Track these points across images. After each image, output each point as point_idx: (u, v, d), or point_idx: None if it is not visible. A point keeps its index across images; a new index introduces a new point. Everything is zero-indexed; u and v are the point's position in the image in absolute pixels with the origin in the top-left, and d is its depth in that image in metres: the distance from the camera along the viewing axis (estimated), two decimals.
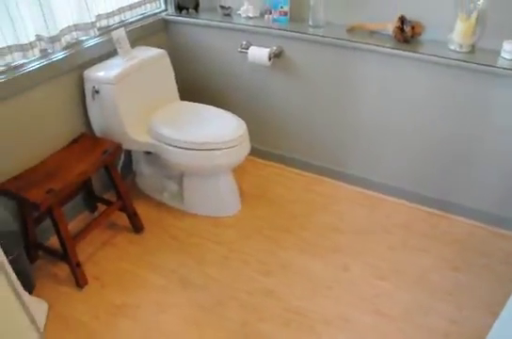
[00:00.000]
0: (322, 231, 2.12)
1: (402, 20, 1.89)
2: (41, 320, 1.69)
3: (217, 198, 2.19)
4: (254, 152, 2.31)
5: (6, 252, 1.47)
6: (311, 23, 2.07)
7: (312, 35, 2.02)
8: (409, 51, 1.87)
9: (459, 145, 2.02)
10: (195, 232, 2.12)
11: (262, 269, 1.93)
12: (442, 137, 2.04)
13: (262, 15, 2.19)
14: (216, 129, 2.01)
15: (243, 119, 2.10)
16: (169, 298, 1.80)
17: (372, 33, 2.00)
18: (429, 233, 2.12)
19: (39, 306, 1.72)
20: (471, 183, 2.10)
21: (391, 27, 1.92)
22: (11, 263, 1.47)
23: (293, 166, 2.52)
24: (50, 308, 1.75)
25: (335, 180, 2.43)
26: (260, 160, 2.58)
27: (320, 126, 2.31)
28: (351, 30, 2.02)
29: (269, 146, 2.53)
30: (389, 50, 1.90)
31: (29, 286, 1.78)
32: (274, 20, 2.15)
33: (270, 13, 2.14)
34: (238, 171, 2.27)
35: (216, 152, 1.94)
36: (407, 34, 1.89)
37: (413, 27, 1.89)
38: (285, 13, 2.12)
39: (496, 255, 2.00)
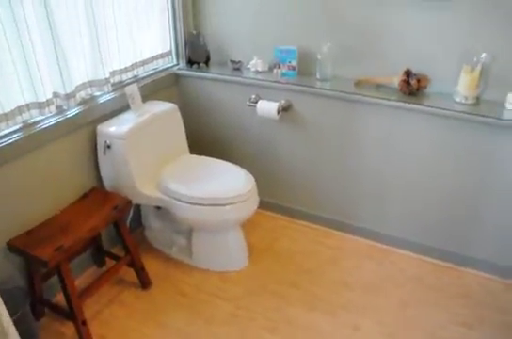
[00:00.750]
0: (331, 286, 2.10)
1: (407, 73, 1.96)
2: None
3: (226, 253, 2.20)
4: (263, 204, 2.34)
5: (11, 310, 1.49)
6: (318, 76, 2.15)
7: (320, 89, 2.10)
8: (415, 103, 1.93)
9: (467, 196, 2.04)
10: (203, 287, 2.12)
11: (269, 326, 1.90)
12: (450, 189, 2.06)
13: (270, 69, 2.28)
14: (225, 184, 2.05)
15: (251, 171, 2.15)
16: None
17: (378, 86, 2.06)
18: (440, 286, 2.09)
19: None
20: (480, 234, 2.09)
21: (397, 81, 1.99)
22: (16, 322, 1.49)
23: (301, 218, 2.54)
24: None
25: (343, 232, 2.44)
26: (268, 213, 2.59)
27: (327, 179, 2.34)
28: (358, 84, 2.09)
29: (277, 198, 2.56)
30: (394, 103, 1.96)
31: None
32: (282, 74, 2.23)
33: (279, 67, 2.23)
34: (247, 224, 2.28)
35: (224, 207, 1.97)
36: (412, 87, 1.95)
37: (419, 80, 1.95)
38: (293, 67, 2.21)
39: (510, 310, 1.96)
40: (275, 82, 2.20)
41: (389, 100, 1.97)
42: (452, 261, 2.21)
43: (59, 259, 1.67)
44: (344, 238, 2.41)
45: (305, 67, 2.20)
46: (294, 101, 2.21)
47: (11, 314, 1.46)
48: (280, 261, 2.27)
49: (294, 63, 2.20)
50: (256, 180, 2.10)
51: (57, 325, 1.93)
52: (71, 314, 1.78)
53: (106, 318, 1.96)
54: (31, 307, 1.81)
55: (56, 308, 1.90)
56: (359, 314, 1.95)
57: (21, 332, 1.50)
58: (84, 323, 1.80)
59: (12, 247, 1.74)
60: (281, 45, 2.18)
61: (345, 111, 2.10)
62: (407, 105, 1.94)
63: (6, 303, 1.43)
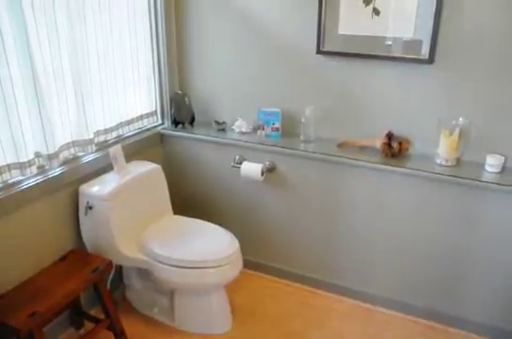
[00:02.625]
0: None
1: (389, 136, 2.09)
2: None
3: (209, 315, 2.20)
4: (248, 263, 2.38)
5: None
6: (302, 138, 2.27)
7: (303, 151, 2.21)
8: (396, 166, 2.04)
9: (453, 255, 2.11)
10: None
11: None
12: (436, 248, 2.14)
13: (255, 130, 2.40)
14: (208, 246, 2.10)
15: (235, 231, 2.21)
16: None
17: (361, 148, 2.19)
18: None
19: None
20: (468, 294, 2.15)
21: (379, 143, 2.11)
22: None
23: (286, 278, 2.57)
24: None
25: (330, 293, 2.47)
26: (253, 272, 2.62)
27: (313, 239, 2.41)
28: (341, 145, 2.21)
29: (263, 258, 2.60)
30: (376, 165, 2.08)
31: None
32: (266, 135, 2.36)
33: (263, 129, 2.36)
34: (231, 284, 2.26)
35: (207, 270, 2.00)
36: (394, 149, 2.08)
37: (400, 143, 2.08)
38: (277, 129, 2.34)
39: None
40: (259, 144, 2.32)
41: (371, 162, 2.08)
42: (440, 321, 2.25)
43: (33, 326, 1.65)
44: (330, 298, 2.44)
45: (289, 128, 2.34)
46: (278, 162, 2.32)
47: None
48: (265, 323, 2.27)
49: (277, 125, 2.33)
50: (241, 239, 2.15)
51: None
52: None
53: None
54: None
55: None
56: None
57: None
58: None
59: None
60: (265, 107, 2.32)
61: (329, 172, 2.21)
62: (389, 168, 2.05)
63: None
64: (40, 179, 1.94)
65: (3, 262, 1.84)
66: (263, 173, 2.29)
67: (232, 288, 2.34)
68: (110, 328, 2.04)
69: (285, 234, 2.48)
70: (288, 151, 2.24)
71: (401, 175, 2.06)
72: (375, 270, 2.32)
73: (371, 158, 2.10)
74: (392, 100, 2.09)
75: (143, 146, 2.46)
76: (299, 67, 2.24)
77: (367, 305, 2.37)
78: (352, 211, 2.25)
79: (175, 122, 2.54)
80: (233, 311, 2.29)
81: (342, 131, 2.24)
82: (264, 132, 2.36)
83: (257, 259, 2.60)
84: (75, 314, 2.18)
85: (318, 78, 2.22)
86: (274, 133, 2.35)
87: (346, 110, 2.20)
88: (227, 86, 2.45)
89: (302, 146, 2.25)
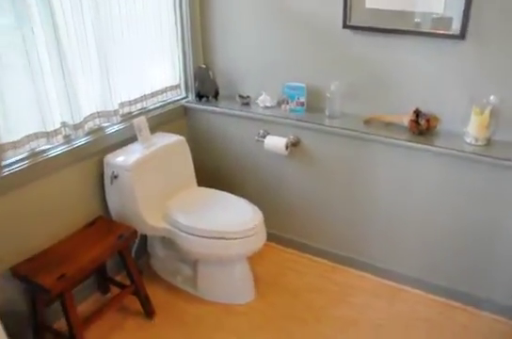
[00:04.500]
0: (339, 324, 2.19)
1: (417, 113, 2.13)
2: None
3: (231, 285, 2.32)
4: (271, 236, 2.49)
5: (12, 334, 1.59)
6: (327, 113, 2.33)
7: (329, 126, 2.28)
8: (424, 144, 2.08)
9: (479, 235, 2.16)
10: (207, 319, 2.23)
11: None
12: (461, 227, 2.19)
13: (279, 105, 2.47)
14: (232, 217, 2.20)
15: (259, 204, 2.31)
16: None
17: (388, 125, 2.23)
18: (451, 328, 2.18)
19: None
20: (493, 274, 2.20)
21: (406, 120, 2.15)
22: None
23: (309, 252, 2.67)
24: None
25: (352, 268, 2.56)
26: (276, 246, 2.73)
27: (337, 214, 2.49)
28: (368, 122, 2.26)
29: (286, 232, 2.71)
30: (403, 142, 2.12)
31: None
32: (291, 110, 2.42)
33: (287, 103, 2.42)
34: (254, 256, 2.39)
35: (231, 241, 2.10)
36: (422, 127, 2.12)
37: (428, 120, 2.11)
38: (302, 104, 2.40)
39: None
40: (283, 118, 2.39)
41: (398, 139, 2.13)
42: (464, 301, 2.31)
43: (62, 288, 1.80)
44: (352, 274, 2.52)
45: (314, 103, 2.40)
46: (302, 137, 2.39)
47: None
48: (286, 295, 2.38)
49: (302, 99, 2.39)
50: (265, 213, 2.25)
51: None
52: None
53: None
54: (33, 332, 1.95)
55: (57, 333, 2.02)
56: None
57: None
58: None
59: (16, 273, 1.88)
60: (290, 82, 2.39)
61: (354, 148, 2.27)
62: (416, 146, 2.09)
63: (8, 327, 1.54)
64: (66, 148, 2.06)
65: (33, 226, 2.00)
66: (287, 147, 2.37)
67: (254, 260, 2.45)
68: (135, 293, 2.19)
69: (309, 209, 2.57)
70: (313, 125, 2.31)
71: (428, 153, 2.09)
72: (398, 248, 2.39)
73: (398, 135, 2.15)
74: (421, 76, 2.12)
75: (167, 119, 2.56)
76: (325, 41, 2.28)
77: (389, 282, 2.45)
78: (377, 187, 2.32)
79: (199, 96, 2.62)
80: (255, 282, 2.40)
81: (368, 107, 2.29)
82: (288, 106, 2.43)
83: (280, 233, 2.71)
84: (102, 279, 2.34)
85: (344, 53, 2.26)
86: (298, 107, 2.41)
87: (373, 86, 2.25)
88: (251, 60, 2.51)
89: (327, 121, 2.31)
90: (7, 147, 1.84)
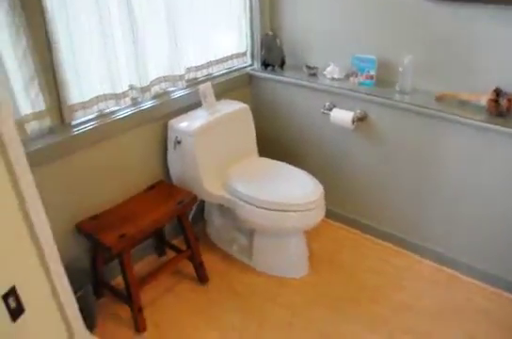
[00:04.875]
0: (393, 307, 2.16)
1: (497, 92, 2.00)
2: None
3: (286, 258, 2.33)
4: (330, 213, 2.46)
5: (75, 288, 1.69)
6: (398, 88, 2.24)
7: (398, 102, 2.19)
8: (503, 125, 1.95)
9: None
10: (259, 290, 2.26)
11: None
12: None
13: (347, 77, 2.40)
14: (293, 190, 2.18)
15: (320, 179, 2.27)
16: None
17: (462, 103, 2.11)
18: (510, 322, 2.11)
19: None
20: None
21: (484, 99, 2.02)
22: (79, 299, 1.70)
23: (368, 233, 2.63)
24: None
25: (411, 252, 2.50)
26: (334, 223, 2.71)
27: (401, 195, 2.42)
28: (440, 99, 2.16)
29: (345, 209, 2.67)
30: (480, 123, 2.00)
31: (92, 324, 2.00)
32: (359, 83, 2.35)
33: (356, 76, 2.35)
34: (311, 232, 2.39)
35: (290, 213, 2.09)
36: (502, 107, 1.98)
37: (510, 100, 1.96)
38: (371, 77, 2.32)
39: None
40: (351, 91, 2.32)
41: (473, 119, 2.02)
42: None
43: (122, 247, 1.86)
44: (411, 259, 2.47)
45: (384, 77, 2.31)
46: (370, 111, 2.32)
47: (74, 292, 1.66)
48: (341, 274, 2.36)
49: (372, 73, 2.31)
50: (325, 188, 2.22)
51: (115, 307, 2.15)
52: (128, 299, 1.99)
53: (161, 307, 2.17)
54: (93, 288, 2.05)
55: (114, 291, 2.11)
56: None
57: (81, 309, 1.70)
58: (140, 310, 2.00)
59: (80, 230, 1.96)
60: (360, 53, 2.30)
61: (424, 127, 2.19)
62: (494, 127, 1.97)
63: (70, 281, 1.61)
64: (132, 110, 2.10)
65: (97, 186, 2.07)
66: (353, 122, 2.31)
67: (311, 235, 2.46)
68: (190, 258, 2.24)
69: (371, 187, 2.51)
70: (382, 100, 2.23)
71: (507, 136, 1.96)
72: (461, 234, 2.31)
73: (473, 115, 2.04)
74: (504, 52, 1.98)
75: (232, 86, 2.55)
76: (402, 11, 2.17)
77: (449, 270, 2.38)
78: (445, 169, 2.22)
79: (265, 64, 2.59)
80: (311, 258, 2.40)
81: (441, 83, 2.17)
82: (357, 79, 2.36)
83: (339, 210, 2.68)
84: (159, 241, 2.41)
85: (421, 24, 2.14)
86: (368, 81, 2.33)
87: (449, 61, 2.13)
88: (320, 28, 2.44)
89: (397, 96, 2.22)
90: (77, 107, 1.91)
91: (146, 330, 2.04)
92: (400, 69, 2.20)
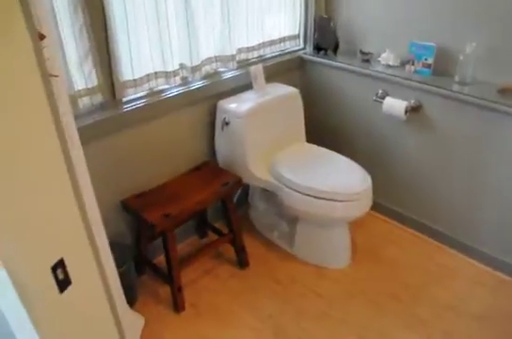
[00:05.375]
0: (435, 307, 2.09)
1: None
2: (136, 336, 1.91)
3: (328, 248, 2.29)
4: (376, 205, 2.39)
5: (117, 263, 1.72)
6: (456, 78, 2.13)
7: (457, 92, 2.09)
8: None
9: None
10: (299, 279, 2.24)
11: (360, 334, 1.96)
12: None
13: (403, 65, 2.30)
14: (341, 179, 2.13)
15: (368, 169, 2.21)
16: None
17: None
18: None
19: (136, 321, 1.96)
20: None
21: None
22: (121, 275, 1.74)
23: (415, 228, 2.55)
24: (145, 325, 1.97)
25: (458, 252, 2.41)
26: (380, 215, 2.65)
27: (452, 191, 2.32)
28: (503, 91, 2.03)
29: (393, 203, 2.60)
30: None
31: (132, 300, 2.04)
32: (415, 71, 2.25)
33: (412, 64, 2.26)
34: (355, 224, 2.36)
35: (336, 203, 2.05)
36: None
37: None
38: (429, 65, 2.22)
39: None
40: (406, 79, 2.23)
41: None
42: None
43: (166, 226, 1.87)
44: (457, 258, 2.38)
45: (442, 66, 2.20)
46: (424, 102, 2.23)
47: (117, 267, 1.71)
48: (383, 268, 2.31)
49: (430, 61, 2.21)
50: (373, 179, 2.15)
51: (155, 285, 2.20)
52: (169, 278, 2.01)
53: (200, 288, 2.19)
54: (135, 264, 2.09)
55: (156, 269, 2.14)
56: None
57: (123, 284, 1.75)
58: (180, 290, 2.03)
59: (126, 206, 1.99)
60: (419, 40, 2.20)
61: (484, 121, 2.08)
62: None
63: (113, 256, 1.65)
64: (182, 90, 2.10)
65: (144, 164, 2.08)
66: (406, 112, 2.23)
67: (356, 227, 2.42)
68: (232, 242, 2.24)
69: (422, 182, 2.42)
70: (439, 90, 2.13)
71: None
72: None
73: None
74: None
75: (282, 69, 2.50)
76: None
77: (496, 273, 2.28)
78: (502, 167, 2.10)
79: (317, 48, 2.53)
80: (354, 250, 2.36)
81: (506, 75, 2.04)
82: (413, 67, 2.26)
83: (386, 203, 2.61)
84: (201, 223, 2.42)
85: (488, 7, 1.99)
86: (424, 69, 2.24)
87: None
88: (377, 12, 2.33)
89: (456, 87, 2.11)
90: (128, 84, 1.92)
91: (184, 310, 2.06)
92: (461, 57, 2.08)
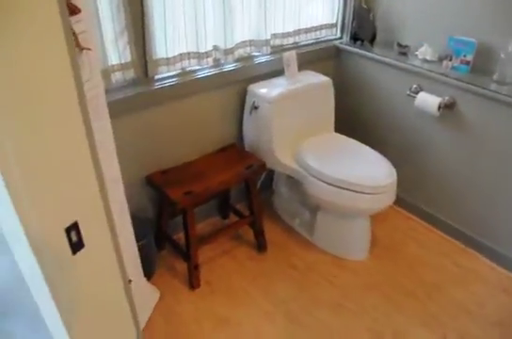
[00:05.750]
0: (451, 308, 2.04)
1: None
2: (150, 307, 1.97)
3: (348, 240, 2.28)
4: (399, 201, 2.35)
5: (138, 237, 1.78)
6: (496, 77, 2.06)
7: (495, 92, 2.01)
8: None
9: None
10: (316, 267, 2.23)
11: (374, 329, 1.94)
12: None
13: (440, 60, 2.24)
14: (366, 171, 2.10)
15: (396, 164, 2.17)
16: (271, 329, 1.92)
17: None
18: None
19: (151, 294, 2.01)
20: None
21: None
22: (141, 248, 1.79)
23: (439, 227, 2.49)
24: (160, 298, 2.02)
25: (481, 254, 2.33)
26: (404, 212, 2.60)
27: (480, 193, 2.25)
28: None
29: (418, 200, 2.54)
30: None
31: (150, 273, 2.09)
32: (453, 67, 2.19)
33: (450, 60, 2.20)
34: (376, 216, 2.32)
35: (359, 194, 2.01)
36: None
37: None
38: (467, 62, 2.16)
39: None
40: (442, 75, 2.17)
41: None
42: None
43: (187, 203, 1.89)
44: (479, 261, 2.31)
45: (481, 64, 2.12)
46: (459, 99, 2.16)
47: (138, 240, 1.75)
48: (402, 264, 2.28)
49: (469, 58, 2.14)
50: (399, 174, 2.11)
51: (173, 260, 2.24)
52: (186, 255, 2.05)
53: (216, 268, 2.22)
54: (155, 239, 2.14)
55: (175, 245, 2.18)
56: None
57: (142, 257, 1.81)
58: (196, 267, 2.06)
59: (150, 182, 2.03)
60: (459, 35, 2.13)
61: None
62: None
63: (135, 229, 1.69)
64: (214, 71, 2.11)
65: (171, 142, 2.11)
66: (439, 108, 2.16)
67: (378, 221, 2.40)
68: (252, 225, 2.25)
69: (449, 181, 2.36)
70: (475, 89, 2.06)
71: None
72: None
73: None
74: None
75: (316, 57, 2.47)
76: None
77: None
78: None
79: (354, 38, 2.49)
80: (373, 243, 2.34)
81: None
82: (450, 63, 2.20)
83: (411, 199, 2.56)
84: (224, 204, 2.45)
85: None
86: (463, 66, 2.17)
87: None
88: (417, 4, 2.26)
89: (494, 86, 2.04)
90: (161, 62, 1.94)
91: (199, 287, 2.10)
92: (502, 55, 2.01)
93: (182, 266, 2.18)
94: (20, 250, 0.83)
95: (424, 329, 1.94)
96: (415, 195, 2.54)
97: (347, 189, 2.02)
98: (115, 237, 1.01)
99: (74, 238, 0.86)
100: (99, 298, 1.06)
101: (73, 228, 0.86)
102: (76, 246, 0.88)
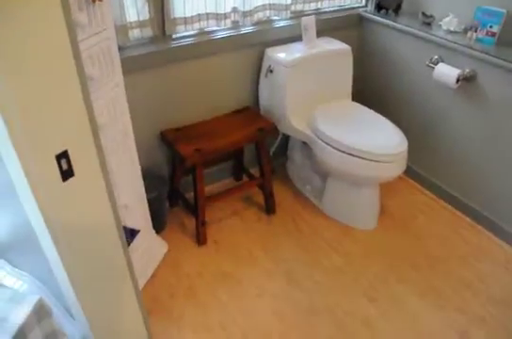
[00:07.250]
0: (453, 283, 2.02)
1: None
2: (157, 259, 2.04)
3: (356, 208, 2.26)
4: (412, 173, 2.32)
5: (151, 190, 1.85)
6: None
7: None
8: None
9: None
10: (322, 233, 2.24)
11: (370, 295, 1.94)
12: None
13: (465, 31, 2.17)
14: (378, 139, 2.07)
15: (409, 135, 2.14)
16: (270, 285, 1.96)
17: None
18: None
19: (160, 246, 2.09)
20: None
21: None
22: (153, 200, 1.86)
23: (449, 202, 2.45)
24: (167, 251, 2.09)
25: (490, 232, 2.28)
26: (415, 184, 2.57)
27: (495, 170, 2.19)
28: None
29: (430, 173, 2.50)
30: None
31: (160, 227, 2.17)
32: (477, 39, 2.11)
33: (475, 31, 2.13)
34: (387, 188, 2.30)
35: (369, 162, 1.99)
36: None
37: None
38: (493, 34, 2.08)
39: None
40: (465, 46, 2.08)
41: None
42: None
43: (196, 160, 1.92)
44: (487, 238, 2.27)
45: (508, 36, 2.03)
46: (480, 72, 2.08)
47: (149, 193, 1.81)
48: (408, 236, 2.26)
49: (495, 29, 2.06)
50: (412, 145, 2.09)
51: (184, 217, 2.32)
52: (194, 211, 2.09)
53: (224, 227, 2.27)
54: (168, 195, 2.23)
55: (186, 202, 2.23)
56: (474, 323, 1.84)
57: (153, 211, 1.88)
58: (203, 224, 2.11)
59: (164, 138, 2.07)
60: (487, 5, 2.04)
61: None
62: None
63: (150, 185, 1.74)
64: (231, 33, 2.10)
65: (186, 101, 2.13)
66: (458, 80, 2.10)
67: (388, 191, 2.39)
68: (261, 187, 2.28)
69: (464, 155, 2.30)
70: (498, 62, 1.97)
71: None
72: None
73: None
74: None
75: (338, 25, 2.42)
76: None
77: None
78: None
79: (379, 7, 2.43)
80: (382, 214, 2.33)
81: None
82: (475, 34, 2.12)
83: (423, 171, 2.52)
84: (237, 167, 2.48)
85: None
86: (488, 38, 2.09)
87: None
88: None
89: None
90: (179, 21, 1.95)
91: (205, 244, 2.16)
92: None
93: (191, 223, 2.26)
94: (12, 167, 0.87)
95: (421, 298, 1.94)
96: (428, 168, 2.49)
97: (357, 156, 2.00)
98: (105, 169, 1.04)
99: (65, 166, 0.89)
100: (88, 224, 1.10)
101: (64, 156, 0.89)
102: (66, 174, 0.91)
